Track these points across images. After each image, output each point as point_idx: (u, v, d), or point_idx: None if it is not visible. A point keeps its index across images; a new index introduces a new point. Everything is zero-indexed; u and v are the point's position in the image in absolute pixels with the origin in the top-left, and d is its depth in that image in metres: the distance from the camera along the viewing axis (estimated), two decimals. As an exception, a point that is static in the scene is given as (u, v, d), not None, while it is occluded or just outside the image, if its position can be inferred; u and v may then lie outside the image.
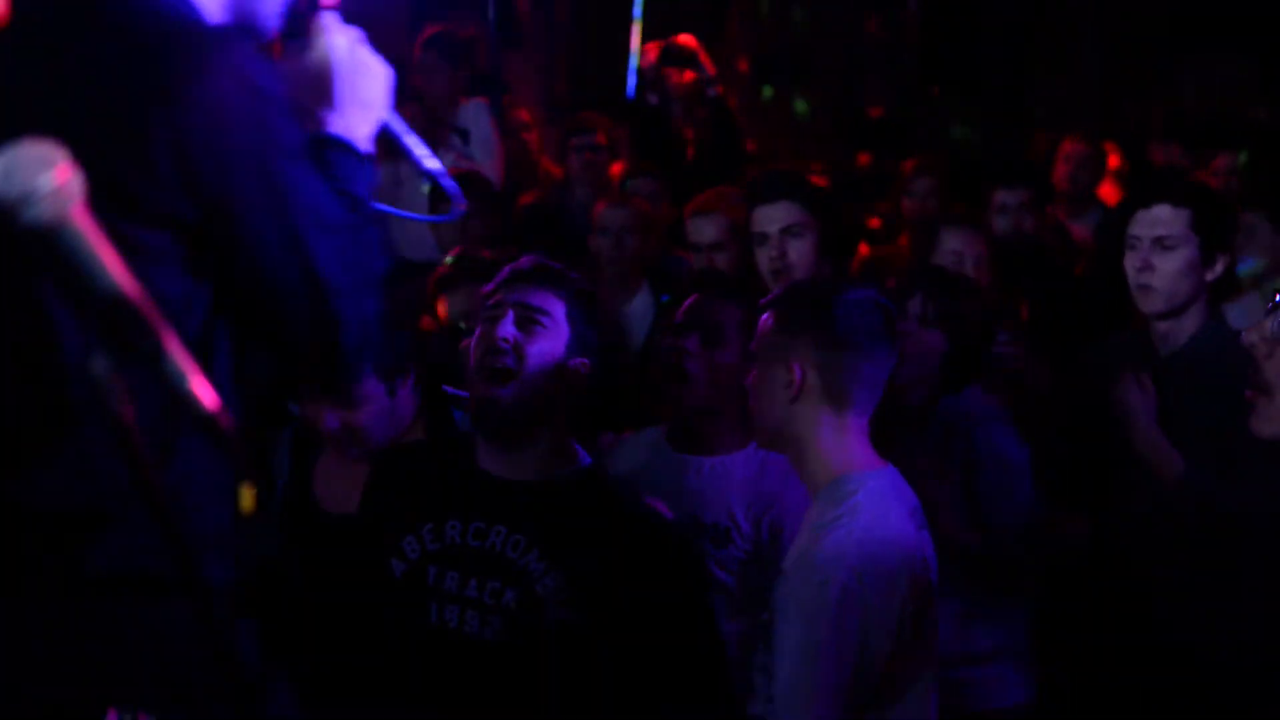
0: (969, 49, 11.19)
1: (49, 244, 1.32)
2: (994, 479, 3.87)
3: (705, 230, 5.34)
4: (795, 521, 3.37)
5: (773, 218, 4.59)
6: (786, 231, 4.57)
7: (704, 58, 7.38)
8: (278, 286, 2.09)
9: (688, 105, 7.34)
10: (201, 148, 1.95)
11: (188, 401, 1.38)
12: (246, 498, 1.41)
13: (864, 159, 9.78)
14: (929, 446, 3.84)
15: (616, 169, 7.16)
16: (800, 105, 11.26)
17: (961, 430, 3.92)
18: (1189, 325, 4.06)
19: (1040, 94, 11.34)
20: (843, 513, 2.95)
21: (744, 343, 3.67)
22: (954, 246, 5.08)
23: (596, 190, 7.07)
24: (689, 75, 7.30)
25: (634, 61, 10.42)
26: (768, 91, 11.30)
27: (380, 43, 7.99)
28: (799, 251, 4.56)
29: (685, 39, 7.43)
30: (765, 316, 3.17)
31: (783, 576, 3.01)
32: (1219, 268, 4.05)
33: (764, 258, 4.62)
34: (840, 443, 3.04)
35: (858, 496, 2.97)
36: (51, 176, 1.29)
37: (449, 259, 5.33)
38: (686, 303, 3.91)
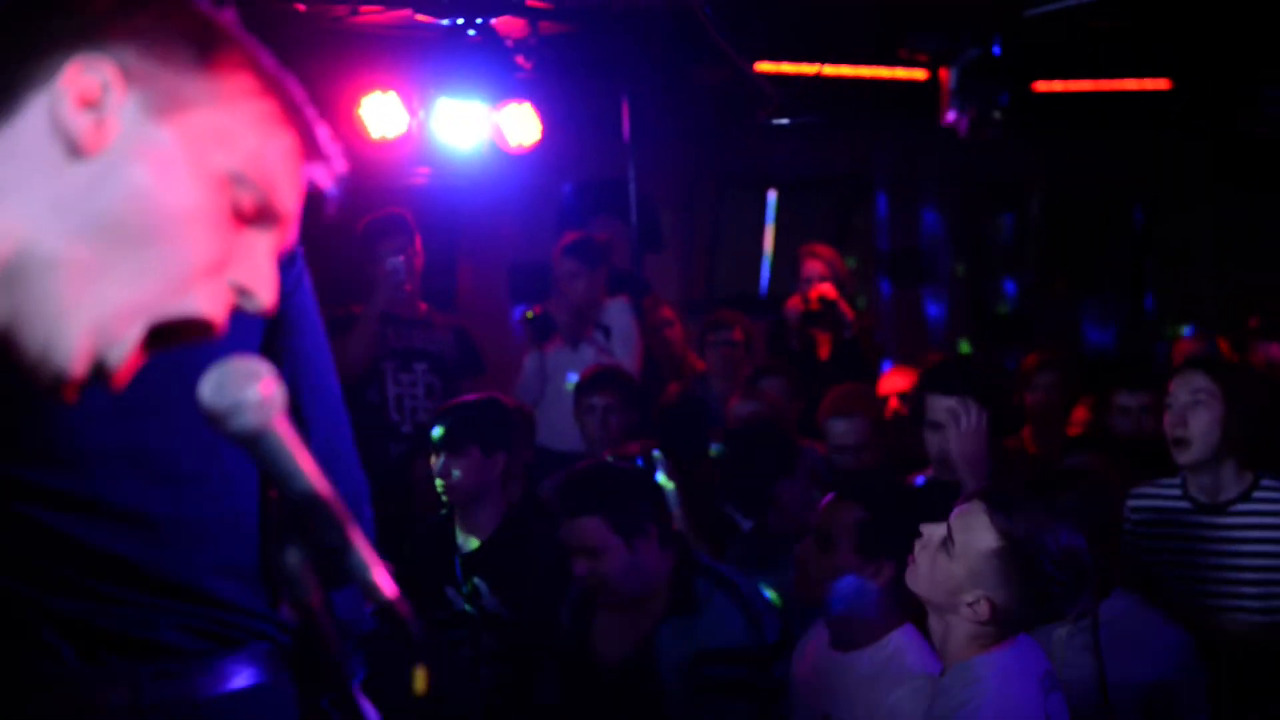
0: (1091, 248, 11.21)
1: (253, 448, 1.40)
2: (1173, 677, 3.84)
3: (848, 433, 5.39)
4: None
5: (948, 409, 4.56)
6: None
7: (843, 305, 7.51)
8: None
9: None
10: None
11: (371, 590, 1.44)
12: (420, 680, 1.45)
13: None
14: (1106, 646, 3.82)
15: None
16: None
17: (1121, 637, 3.87)
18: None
19: (1160, 292, 11.31)
20: (969, 698, 3.01)
21: (859, 542, 3.76)
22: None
23: (732, 384, 7.17)
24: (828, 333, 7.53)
25: (767, 261, 10.60)
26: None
27: (532, 246, 8.17)
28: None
29: (825, 289, 7.56)
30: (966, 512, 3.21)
31: None
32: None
33: (934, 444, 4.58)
34: (986, 633, 3.11)
35: (987, 680, 3.04)
36: (258, 389, 1.37)
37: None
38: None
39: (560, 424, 6.71)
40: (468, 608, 4.90)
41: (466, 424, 4.90)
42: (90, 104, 1.34)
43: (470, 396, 5.11)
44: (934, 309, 11.08)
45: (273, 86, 1.45)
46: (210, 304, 1.42)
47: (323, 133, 1.49)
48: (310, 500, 1.42)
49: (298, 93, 1.47)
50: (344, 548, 1.44)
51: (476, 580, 4.88)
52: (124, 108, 1.36)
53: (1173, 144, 10.26)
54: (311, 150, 1.48)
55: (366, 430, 6.50)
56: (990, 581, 3.09)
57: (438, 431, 4.93)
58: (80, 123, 1.34)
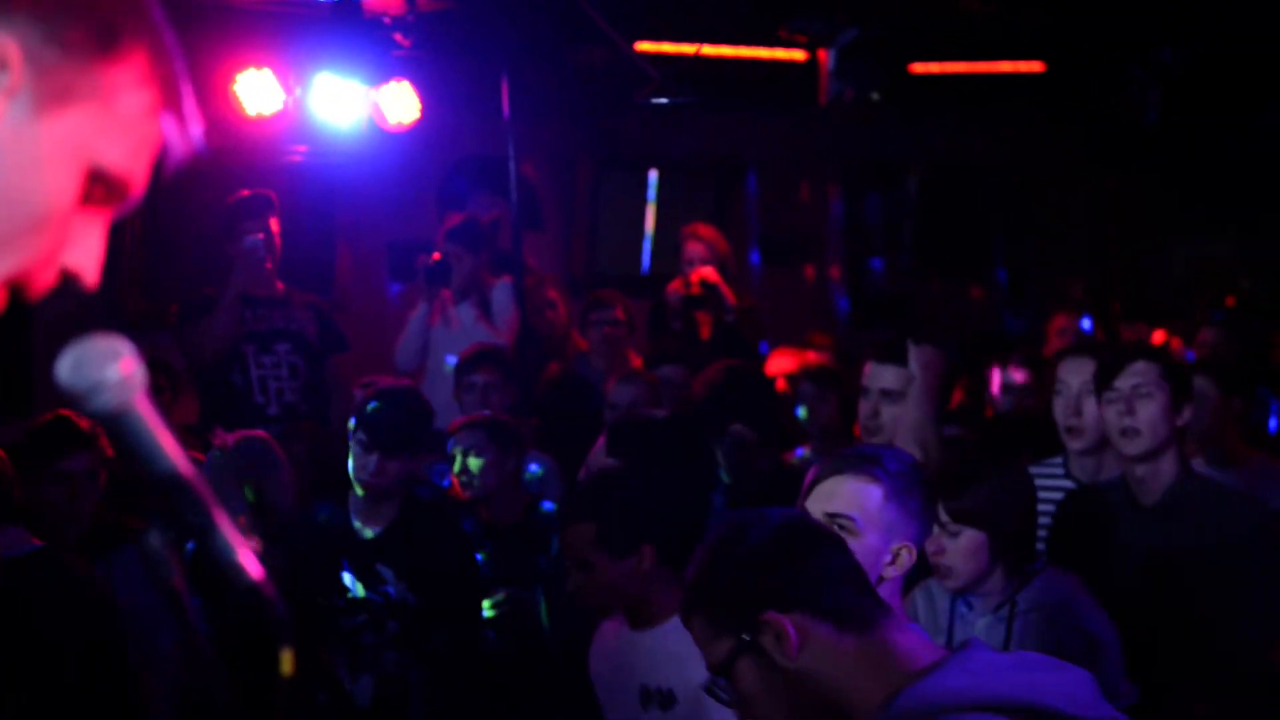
0: (965, 228, 11.36)
1: (113, 428, 1.37)
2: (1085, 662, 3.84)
3: None
4: None
5: (879, 376, 4.63)
6: (885, 395, 4.61)
7: (724, 289, 7.57)
8: None
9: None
10: None
11: (235, 571, 1.42)
12: (286, 661, 1.44)
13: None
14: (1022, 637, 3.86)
15: (638, 360, 7.28)
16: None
17: (1050, 616, 3.87)
18: (1165, 473, 4.35)
19: (1035, 270, 11.50)
20: None
21: (608, 551, 3.95)
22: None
23: (614, 363, 7.19)
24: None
25: (648, 241, 10.62)
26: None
27: (410, 225, 8.15)
28: (890, 414, 4.59)
29: (707, 272, 7.61)
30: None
31: None
32: (1185, 415, 4.37)
33: (865, 409, 4.67)
34: None
35: None
36: (117, 368, 1.34)
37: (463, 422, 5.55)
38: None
39: (439, 403, 6.68)
40: (364, 594, 4.88)
41: (400, 428, 4.86)
42: None
43: (392, 385, 5.10)
44: (811, 289, 11.16)
45: (161, 69, 1.37)
46: (39, 285, 1.38)
47: (191, 110, 1.42)
48: (173, 480, 1.40)
49: (179, 65, 1.40)
50: (208, 528, 1.42)
51: (380, 567, 4.87)
52: (15, 96, 1.27)
53: (1047, 125, 10.42)
54: (181, 129, 1.41)
55: (231, 413, 6.49)
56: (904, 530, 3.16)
57: (372, 427, 4.82)
58: None
